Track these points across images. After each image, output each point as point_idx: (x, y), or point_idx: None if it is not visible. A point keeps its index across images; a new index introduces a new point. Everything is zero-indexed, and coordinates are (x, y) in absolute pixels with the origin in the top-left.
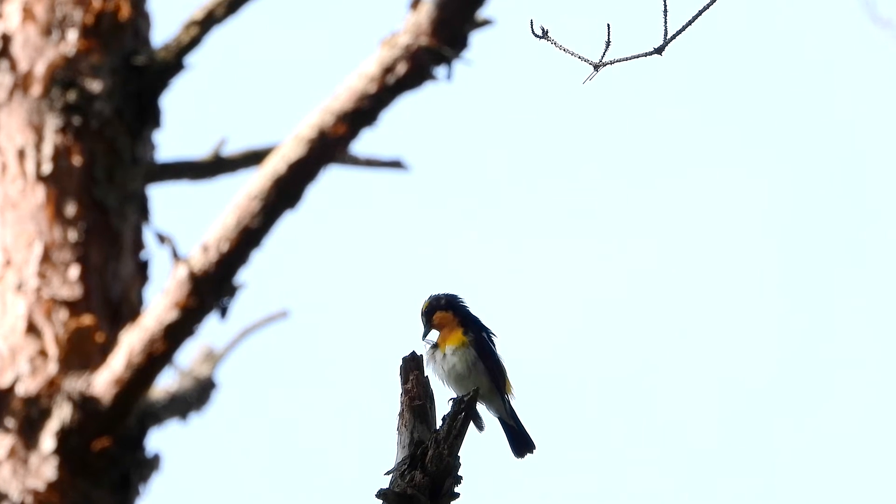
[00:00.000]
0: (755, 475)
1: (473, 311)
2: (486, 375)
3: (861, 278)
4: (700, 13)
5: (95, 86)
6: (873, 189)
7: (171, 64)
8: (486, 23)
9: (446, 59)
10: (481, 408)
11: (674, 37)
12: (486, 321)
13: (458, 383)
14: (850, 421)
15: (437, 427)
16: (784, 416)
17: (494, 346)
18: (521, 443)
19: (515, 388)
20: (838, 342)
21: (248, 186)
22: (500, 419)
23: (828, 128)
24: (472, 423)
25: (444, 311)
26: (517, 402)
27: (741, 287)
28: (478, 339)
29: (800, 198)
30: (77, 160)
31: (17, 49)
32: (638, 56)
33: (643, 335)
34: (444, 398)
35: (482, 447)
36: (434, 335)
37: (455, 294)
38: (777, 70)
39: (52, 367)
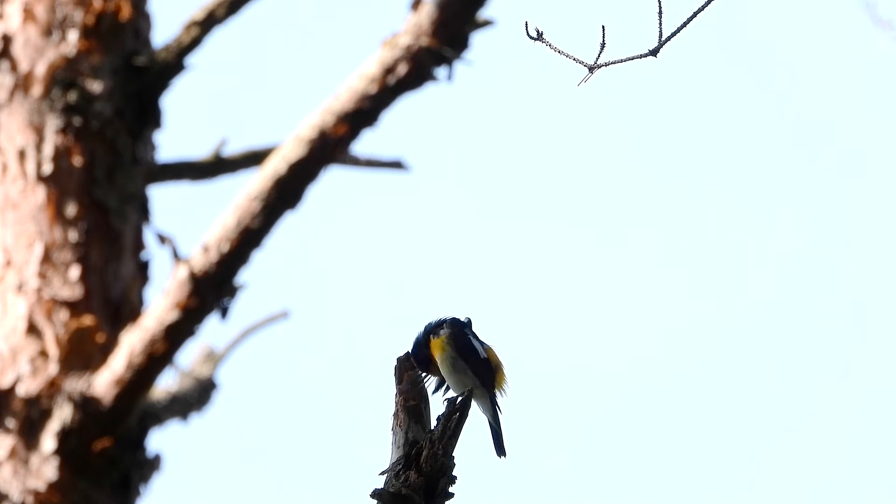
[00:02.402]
0: (750, 476)
1: (464, 313)
2: (466, 373)
3: (857, 277)
4: (695, 15)
5: (96, 86)
6: (873, 187)
7: (171, 64)
8: (486, 23)
9: (447, 60)
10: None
11: (669, 39)
12: (481, 322)
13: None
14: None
15: (432, 427)
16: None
17: (478, 340)
18: (498, 444)
19: (512, 385)
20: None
21: (249, 187)
22: (487, 419)
23: (826, 127)
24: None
25: (430, 341)
26: (509, 402)
27: (739, 290)
28: (455, 336)
29: (798, 197)
30: (77, 161)
31: (17, 49)
32: (633, 58)
33: (640, 336)
34: (438, 398)
35: (477, 447)
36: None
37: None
38: (776, 71)
39: (52, 368)
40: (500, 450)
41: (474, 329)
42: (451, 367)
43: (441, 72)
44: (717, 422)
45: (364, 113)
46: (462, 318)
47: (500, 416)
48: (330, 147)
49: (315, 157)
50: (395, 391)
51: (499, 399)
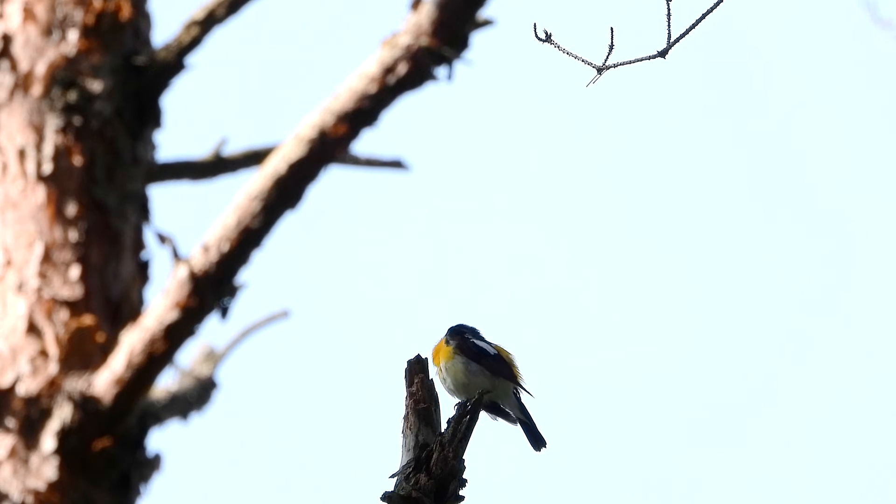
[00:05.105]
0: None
1: (468, 318)
2: (483, 374)
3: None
4: (703, 17)
5: (96, 86)
6: (871, 183)
7: (171, 64)
8: (486, 23)
9: (447, 60)
10: (495, 406)
11: (677, 40)
12: (483, 322)
13: (463, 390)
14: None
15: (442, 430)
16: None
17: (484, 341)
18: (534, 436)
19: (527, 381)
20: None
21: (249, 186)
22: (514, 415)
23: (827, 126)
24: (499, 419)
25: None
26: (529, 398)
27: (742, 289)
28: (460, 344)
29: (798, 193)
30: (77, 160)
31: (17, 49)
32: (641, 59)
33: (638, 335)
34: (449, 402)
35: (487, 450)
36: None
37: (459, 325)
38: (779, 71)
39: (52, 367)
40: (537, 442)
41: (481, 333)
42: (465, 371)
43: (441, 71)
44: (714, 419)
45: (364, 112)
46: (468, 325)
47: (527, 409)
48: (330, 147)
49: (315, 156)
50: (405, 394)
51: (521, 394)
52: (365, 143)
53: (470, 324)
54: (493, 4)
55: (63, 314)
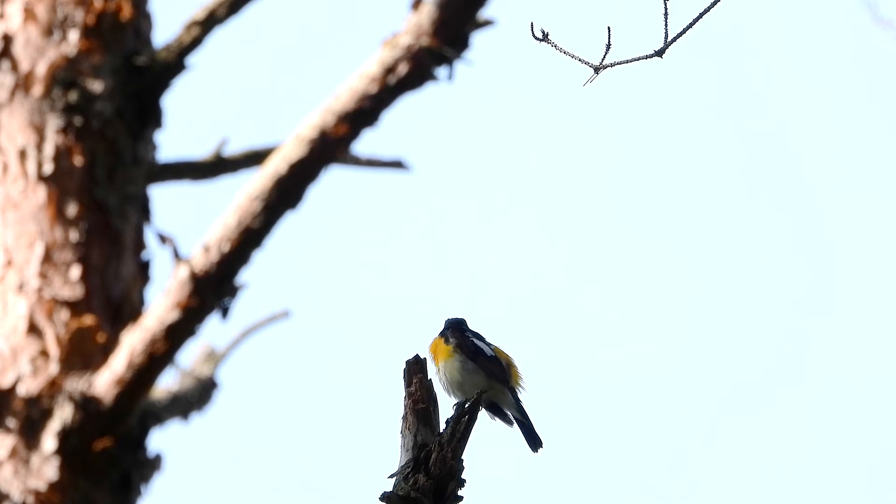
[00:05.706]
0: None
1: (469, 318)
2: (479, 373)
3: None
4: (701, 16)
5: (97, 86)
6: (870, 182)
7: (172, 64)
8: (487, 23)
9: (447, 60)
10: (494, 405)
11: (674, 39)
12: (483, 321)
13: (459, 389)
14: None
15: (441, 430)
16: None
17: (484, 342)
18: (532, 437)
19: (527, 382)
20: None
21: (250, 187)
22: (512, 415)
23: (825, 126)
24: (497, 419)
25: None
26: (527, 397)
27: (743, 286)
28: (460, 342)
29: (797, 192)
30: (78, 160)
31: (18, 49)
32: (638, 59)
33: (636, 335)
34: (448, 402)
35: (486, 450)
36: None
37: (456, 319)
38: (777, 71)
39: (53, 368)
40: (535, 442)
41: (472, 328)
42: (462, 370)
43: (441, 71)
44: (713, 419)
45: (364, 112)
46: (457, 318)
47: (525, 410)
48: (330, 147)
49: (315, 156)
50: (403, 394)
51: (519, 394)
52: (365, 144)
53: (458, 316)
54: (492, 4)
55: (64, 314)
